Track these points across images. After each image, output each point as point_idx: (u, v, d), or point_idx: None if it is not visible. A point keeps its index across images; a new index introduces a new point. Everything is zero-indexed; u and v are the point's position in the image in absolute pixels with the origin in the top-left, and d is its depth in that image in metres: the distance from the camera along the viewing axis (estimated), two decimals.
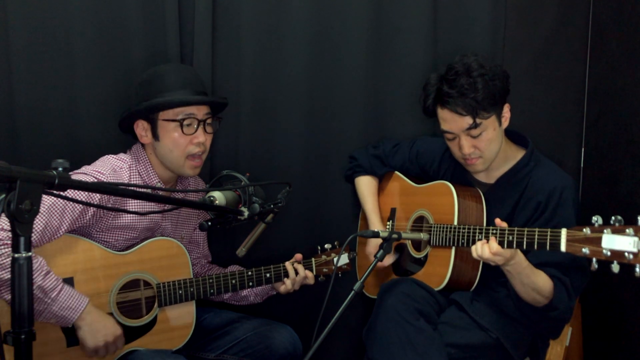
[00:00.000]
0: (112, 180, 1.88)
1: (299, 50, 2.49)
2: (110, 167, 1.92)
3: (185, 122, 1.94)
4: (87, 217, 1.86)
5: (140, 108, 1.95)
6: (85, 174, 1.87)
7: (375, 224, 2.39)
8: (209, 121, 2.02)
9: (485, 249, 1.79)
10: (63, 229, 1.80)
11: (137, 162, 2.01)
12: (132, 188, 1.79)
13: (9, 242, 1.62)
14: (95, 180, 1.86)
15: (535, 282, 1.88)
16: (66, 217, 1.80)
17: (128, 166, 1.98)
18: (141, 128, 2.00)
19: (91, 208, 1.84)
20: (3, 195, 1.12)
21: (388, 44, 2.55)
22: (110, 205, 1.87)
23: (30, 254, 1.15)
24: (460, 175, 2.22)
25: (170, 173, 2.05)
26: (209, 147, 2.05)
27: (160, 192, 2.00)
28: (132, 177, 1.97)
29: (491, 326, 2.00)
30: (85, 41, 2.26)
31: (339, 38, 2.51)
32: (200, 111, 1.99)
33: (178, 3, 2.35)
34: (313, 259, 2.27)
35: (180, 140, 1.96)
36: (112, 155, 2.00)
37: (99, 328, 1.81)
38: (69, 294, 1.76)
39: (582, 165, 2.73)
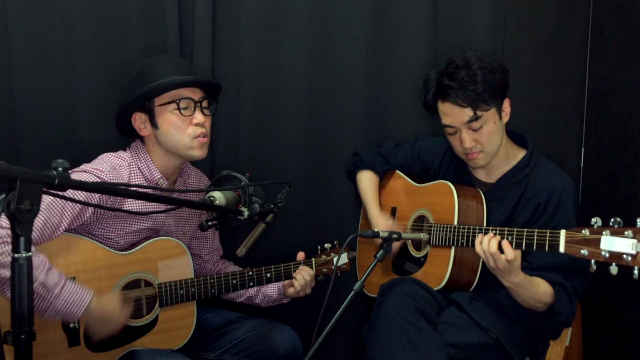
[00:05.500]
0: (111, 178, 1.88)
1: (300, 49, 2.49)
2: (110, 165, 1.92)
3: (181, 105, 1.95)
4: (87, 215, 1.86)
5: (135, 96, 1.95)
6: (85, 171, 1.87)
7: (375, 216, 2.39)
8: (204, 104, 2.02)
9: (493, 244, 1.78)
10: (63, 227, 1.79)
11: (137, 159, 2.01)
12: (133, 188, 1.79)
13: (9, 239, 1.63)
14: (96, 178, 1.86)
15: (536, 293, 1.88)
16: (66, 215, 1.79)
17: (127, 164, 1.97)
18: (139, 121, 1.99)
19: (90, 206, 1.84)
20: (3, 195, 1.12)
21: (388, 43, 2.55)
22: (109, 205, 1.86)
23: (29, 254, 1.15)
24: (461, 174, 2.22)
25: (172, 166, 2.04)
26: (210, 129, 2.03)
27: (160, 192, 1.99)
28: (132, 174, 1.97)
29: (491, 326, 2.00)
30: (85, 41, 2.26)
31: (339, 37, 2.52)
32: (195, 94, 1.99)
33: (178, 2, 2.35)
34: (313, 259, 2.27)
35: (180, 122, 1.95)
36: (111, 153, 1.99)
37: (108, 318, 1.83)
38: (72, 289, 1.75)
39: (582, 165, 2.73)
